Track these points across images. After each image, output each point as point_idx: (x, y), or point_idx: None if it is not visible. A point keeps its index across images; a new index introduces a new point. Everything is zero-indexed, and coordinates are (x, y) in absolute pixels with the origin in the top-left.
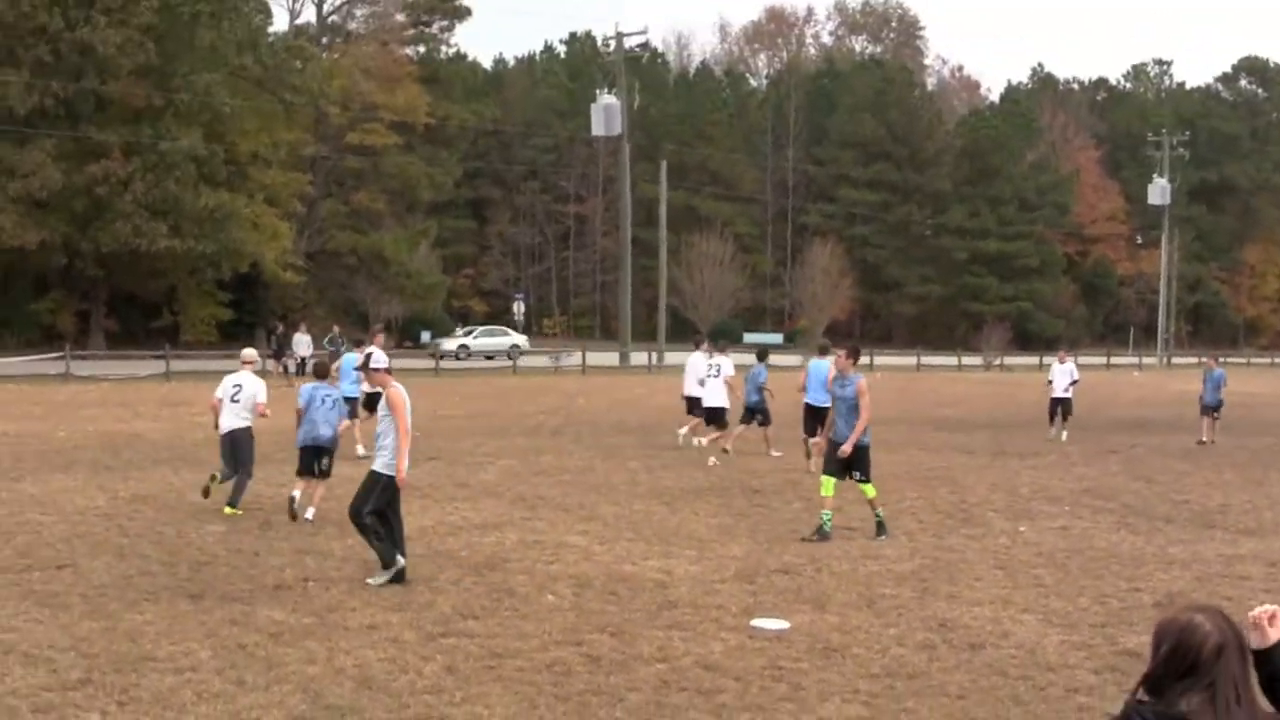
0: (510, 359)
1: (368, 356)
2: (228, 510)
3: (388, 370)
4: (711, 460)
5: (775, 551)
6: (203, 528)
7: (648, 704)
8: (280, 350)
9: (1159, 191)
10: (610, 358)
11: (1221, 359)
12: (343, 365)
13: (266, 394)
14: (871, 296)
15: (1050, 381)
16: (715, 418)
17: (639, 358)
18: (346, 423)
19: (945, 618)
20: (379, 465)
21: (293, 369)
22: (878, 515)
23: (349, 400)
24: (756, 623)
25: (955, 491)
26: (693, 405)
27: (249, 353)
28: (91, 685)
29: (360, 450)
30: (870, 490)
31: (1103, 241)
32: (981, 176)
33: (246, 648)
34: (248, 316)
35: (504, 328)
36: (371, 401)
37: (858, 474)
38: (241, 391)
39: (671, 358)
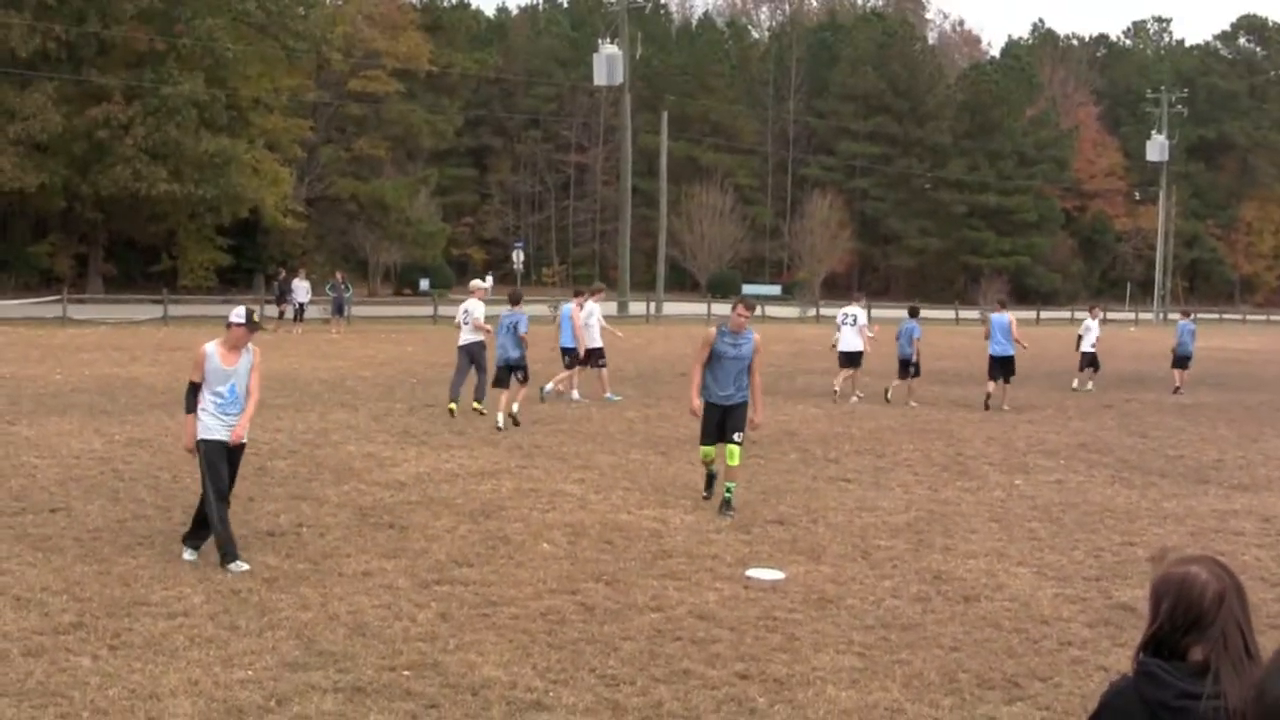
0: None
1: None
2: (475, 405)
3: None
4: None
5: (770, 502)
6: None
7: (642, 653)
8: (281, 296)
9: (1157, 148)
10: (608, 307)
11: (1193, 314)
12: (560, 317)
13: (484, 312)
14: (870, 249)
15: (1082, 336)
16: (852, 362)
17: (637, 308)
18: (566, 374)
19: (940, 570)
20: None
21: (290, 315)
22: (730, 489)
23: (566, 351)
24: (751, 573)
25: (951, 444)
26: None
27: (477, 283)
28: (84, 629)
29: (567, 392)
30: (738, 457)
31: (1101, 197)
32: (981, 131)
33: (240, 593)
34: (247, 262)
35: None
36: (593, 355)
37: (737, 434)
38: (469, 314)
39: (670, 308)
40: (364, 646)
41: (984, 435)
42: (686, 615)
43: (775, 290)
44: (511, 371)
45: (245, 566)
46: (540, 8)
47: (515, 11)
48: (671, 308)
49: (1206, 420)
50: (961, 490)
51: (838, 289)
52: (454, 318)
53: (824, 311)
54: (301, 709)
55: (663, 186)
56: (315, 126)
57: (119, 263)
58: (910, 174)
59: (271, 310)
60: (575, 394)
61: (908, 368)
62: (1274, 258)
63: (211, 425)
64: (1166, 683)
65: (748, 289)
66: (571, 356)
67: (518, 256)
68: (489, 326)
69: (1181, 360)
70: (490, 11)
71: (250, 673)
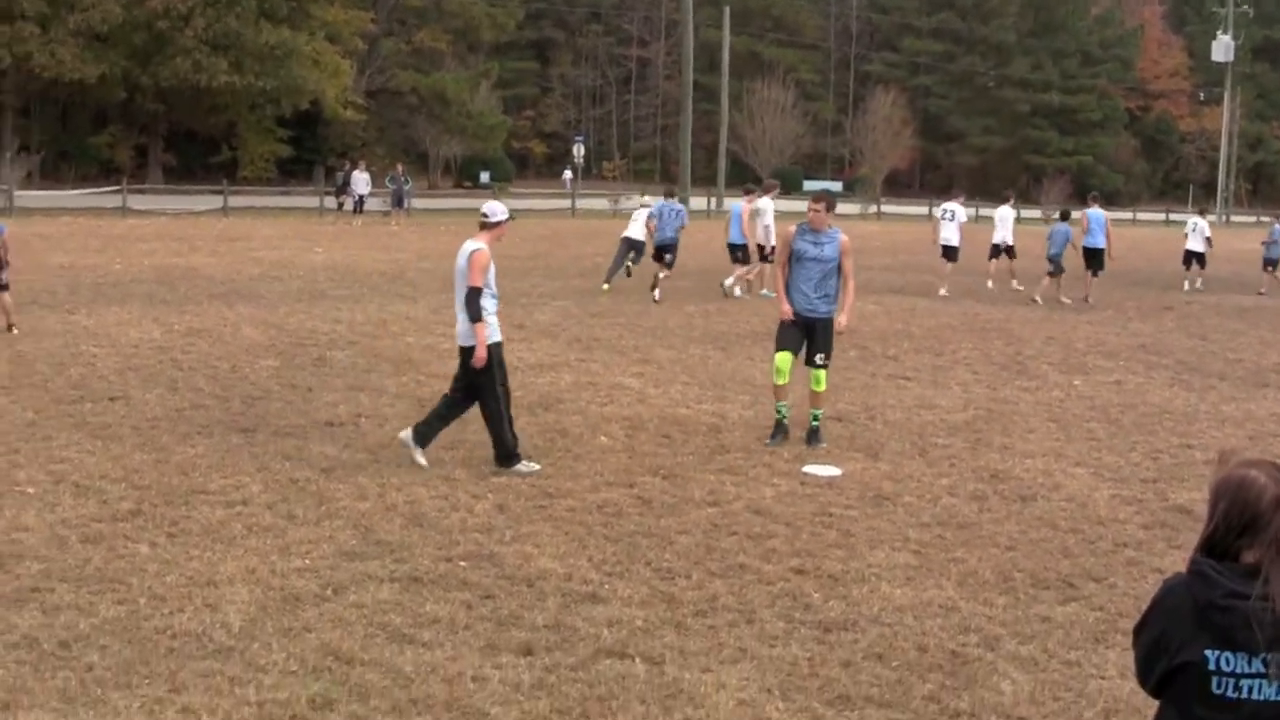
0: None
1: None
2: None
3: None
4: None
5: (829, 399)
6: (256, 362)
7: (697, 547)
8: (342, 189)
9: (1222, 48)
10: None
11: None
12: (730, 214)
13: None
14: (932, 147)
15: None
16: (950, 255)
17: (698, 203)
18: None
19: (997, 469)
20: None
21: (351, 207)
22: (817, 417)
23: (735, 247)
24: (808, 469)
25: (1011, 344)
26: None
27: (646, 199)
28: (142, 516)
29: (738, 292)
30: (825, 382)
31: (1165, 98)
32: (1045, 29)
33: (298, 483)
34: (307, 154)
35: None
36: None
37: (821, 355)
38: (638, 212)
39: (730, 203)
40: (421, 537)
41: (1043, 335)
42: (743, 510)
43: (837, 186)
44: (663, 253)
45: (536, 466)
46: None
47: None
48: (733, 203)
49: (1267, 323)
50: (1020, 390)
51: (899, 186)
52: (630, 214)
53: (885, 209)
54: (358, 598)
55: (724, 82)
56: (376, 18)
57: (179, 154)
58: (973, 72)
59: (332, 202)
60: (765, 291)
61: (1058, 268)
62: None
63: (494, 326)
64: (1216, 582)
65: (809, 185)
66: (743, 252)
67: (578, 150)
68: (653, 225)
69: (1269, 263)
70: None
71: (307, 561)
